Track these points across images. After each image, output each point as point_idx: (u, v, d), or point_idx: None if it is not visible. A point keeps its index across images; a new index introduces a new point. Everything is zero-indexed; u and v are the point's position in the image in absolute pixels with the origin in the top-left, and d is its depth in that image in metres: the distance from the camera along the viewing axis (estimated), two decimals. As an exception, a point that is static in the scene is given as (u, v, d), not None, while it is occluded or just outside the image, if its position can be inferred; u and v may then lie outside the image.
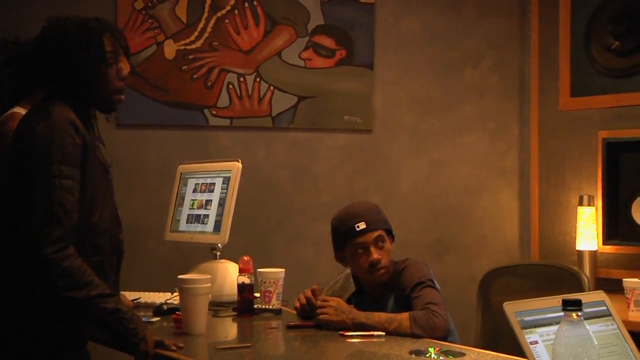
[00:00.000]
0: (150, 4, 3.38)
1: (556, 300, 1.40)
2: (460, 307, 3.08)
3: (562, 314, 1.32)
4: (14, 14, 3.32)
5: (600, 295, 1.74)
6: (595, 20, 3.53)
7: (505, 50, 3.87)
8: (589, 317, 1.61)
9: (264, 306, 2.63)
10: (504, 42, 3.89)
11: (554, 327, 1.45)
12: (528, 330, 1.54)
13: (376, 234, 2.44)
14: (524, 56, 3.85)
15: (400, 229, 3.49)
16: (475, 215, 3.91)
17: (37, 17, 2.51)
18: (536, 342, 1.52)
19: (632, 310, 2.87)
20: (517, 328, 1.53)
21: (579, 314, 1.31)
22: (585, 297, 1.61)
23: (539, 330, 1.54)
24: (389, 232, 2.52)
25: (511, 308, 1.56)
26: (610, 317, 1.71)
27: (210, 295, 2.39)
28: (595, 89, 3.57)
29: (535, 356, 1.50)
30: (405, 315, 2.28)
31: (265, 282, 2.68)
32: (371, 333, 2.27)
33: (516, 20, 3.85)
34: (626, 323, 2.68)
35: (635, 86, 3.44)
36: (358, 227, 2.40)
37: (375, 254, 2.42)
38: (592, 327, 1.54)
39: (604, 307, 1.72)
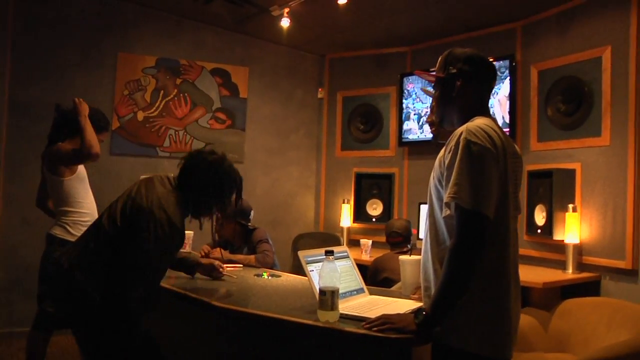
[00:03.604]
0: (131, 92, 5.25)
1: (323, 250, 1.80)
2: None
3: (324, 256, 1.77)
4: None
5: (344, 247, 2.30)
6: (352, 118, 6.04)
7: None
8: (339, 258, 2.17)
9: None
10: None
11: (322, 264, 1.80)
12: (310, 264, 2.03)
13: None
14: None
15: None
16: (297, 208, 5.86)
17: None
18: (313, 270, 2.00)
19: (363, 254, 4.75)
20: (304, 263, 2.01)
21: (331, 257, 1.76)
22: (337, 249, 2.14)
23: (315, 265, 2.01)
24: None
25: (302, 254, 2.05)
26: (349, 258, 2.26)
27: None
28: (352, 147, 5.68)
29: (312, 277, 1.97)
30: (253, 257, 3.17)
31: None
32: (234, 265, 2.99)
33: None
34: (363, 261, 4.63)
35: (373, 146, 5.52)
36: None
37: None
38: (340, 263, 2.15)
39: (346, 254, 2.27)
